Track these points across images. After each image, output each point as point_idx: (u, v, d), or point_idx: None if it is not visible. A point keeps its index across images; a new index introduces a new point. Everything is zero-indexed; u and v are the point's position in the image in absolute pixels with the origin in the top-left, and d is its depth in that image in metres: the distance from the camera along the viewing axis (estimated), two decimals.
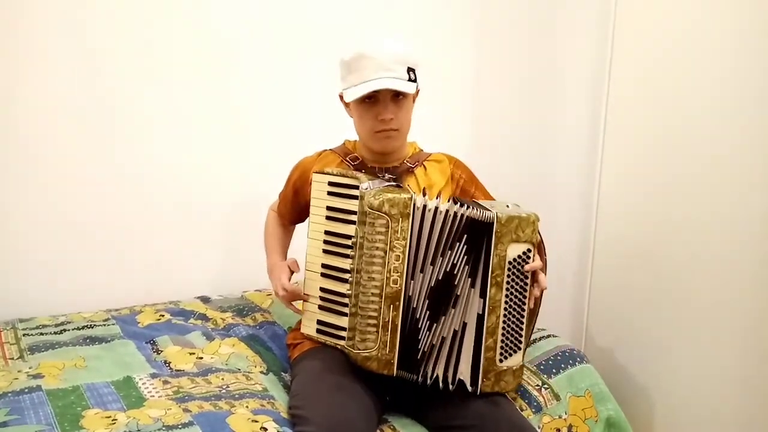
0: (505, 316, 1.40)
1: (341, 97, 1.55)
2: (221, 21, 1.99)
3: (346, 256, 1.42)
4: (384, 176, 1.51)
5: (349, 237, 1.41)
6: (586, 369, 1.71)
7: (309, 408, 1.35)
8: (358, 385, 1.40)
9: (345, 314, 1.42)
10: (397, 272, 1.37)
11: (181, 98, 1.97)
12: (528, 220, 1.40)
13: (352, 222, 1.41)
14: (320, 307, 1.46)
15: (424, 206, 1.39)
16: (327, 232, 1.44)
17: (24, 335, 1.68)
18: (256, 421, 1.34)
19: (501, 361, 1.41)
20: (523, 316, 1.43)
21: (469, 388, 1.41)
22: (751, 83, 1.68)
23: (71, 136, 1.86)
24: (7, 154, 1.81)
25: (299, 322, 1.58)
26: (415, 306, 1.40)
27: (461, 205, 1.41)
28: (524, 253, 1.40)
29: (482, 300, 1.39)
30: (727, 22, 1.74)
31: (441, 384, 1.41)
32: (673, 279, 1.90)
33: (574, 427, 1.61)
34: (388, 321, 1.38)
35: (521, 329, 1.43)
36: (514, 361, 1.43)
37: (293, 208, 1.68)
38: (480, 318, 1.39)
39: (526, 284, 1.42)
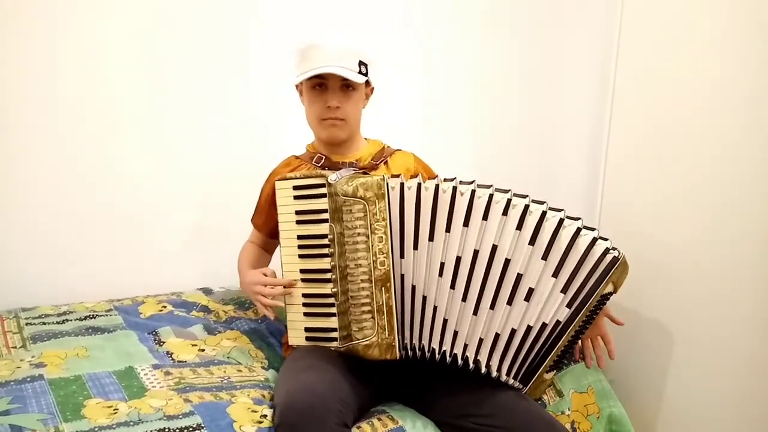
0: (570, 337, 1.41)
1: (296, 86, 1.61)
2: (223, 17, 1.99)
3: (325, 255, 1.40)
4: (349, 168, 1.51)
5: (324, 236, 1.40)
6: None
7: (276, 392, 1.37)
8: (332, 365, 1.38)
9: (333, 314, 1.40)
10: (383, 253, 1.36)
11: (184, 93, 1.98)
12: (627, 268, 1.43)
13: (325, 220, 1.39)
14: (306, 314, 1.44)
15: (423, 187, 1.39)
16: (300, 237, 1.43)
17: (27, 324, 1.68)
18: (256, 411, 1.34)
19: (547, 372, 1.43)
20: (576, 342, 1.47)
21: (514, 383, 1.41)
22: (756, 82, 1.67)
23: (73, 127, 1.87)
24: (9, 146, 1.81)
25: None
26: (414, 283, 1.38)
27: (510, 195, 1.38)
28: (609, 293, 1.42)
29: (570, 311, 1.37)
30: (733, 20, 1.73)
31: (481, 369, 1.39)
32: (675, 279, 1.90)
33: (576, 423, 1.60)
34: (382, 304, 1.37)
35: (569, 352, 1.49)
36: (551, 375, 1.47)
37: (268, 219, 1.68)
38: (557, 325, 1.38)
39: (593, 319, 1.46)
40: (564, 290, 1.36)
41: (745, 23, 1.70)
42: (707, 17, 1.81)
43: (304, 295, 1.44)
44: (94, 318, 1.74)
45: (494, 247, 1.36)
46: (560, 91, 2.38)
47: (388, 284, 1.37)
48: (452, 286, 1.38)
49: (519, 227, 1.35)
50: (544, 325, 1.37)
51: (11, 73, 1.79)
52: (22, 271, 1.86)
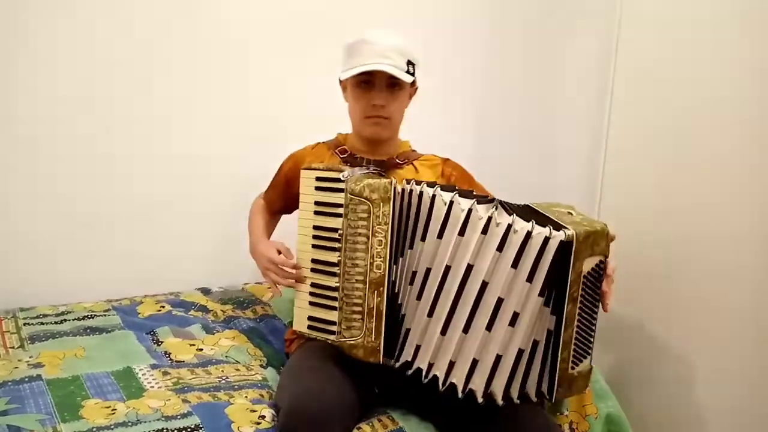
0: (578, 327, 1.34)
1: (341, 81, 1.58)
2: (223, 16, 1.99)
3: (334, 249, 1.41)
4: (368, 166, 1.49)
5: (336, 230, 1.40)
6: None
7: (281, 392, 1.36)
8: (337, 367, 1.38)
9: (335, 308, 1.41)
10: (380, 257, 1.35)
11: (182, 90, 1.97)
12: (602, 233, 1.31)
13: (340, 215, 1.39)
14: (311, 303, 1.44)
15: (413, 191, 1.35)
16: (315, 227, 1.43)
17: (25, 324, 1.68)
18: (254, 411, 1.35)
19: (573, 368, 1.36)
20: (594, 324, 1.38)
21: (534, 399, 1.35)
22: (755, 82, 1.67)
23: (72, 126, 1.86)
24: (8, 144, 1.81)
25: None
26: (397, 291, 1.37)
27: (493, 208, 1.31)
28: (597, 265, 1.33)
29: (555, 316, 1.31)
30: (731, 21, 1.73)
31: (480, 399, 1.33)
32: (674, 279, 1.90)
33: (575, 424, 1.61)
34: (373, 308, 1.36)
35: (593, 336, 1.38)
36: (585, 366, 1.39)
37: (282, 197, 1.69)
38: (550, 334, 1.32)
39: (598, 294, 1.36)
40: (546, 303, 1.30)
41: (746, 21, 1.70)
42: (707, 16, 1.81)
43: (312, 285, 1.45)
44: (93, 318, 1.74)
45: (470, 267, 1.30)
46: (559, 90, 2.38)
47: (381, 289, 1.36)
48: (418, 298, 1.36)
49: (500, 249, 1.29)
50: (536, 343, 1.33)
51: (12, 72, 1.79)
52: (20, 270, 1.86)
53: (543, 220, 1.30)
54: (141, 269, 1.98)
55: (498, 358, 1.31)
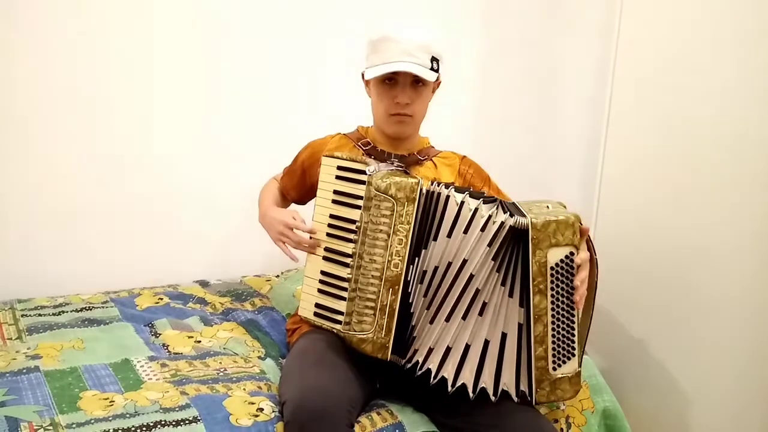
0: (553, 323, 1.33)
1: (363, 76, 1.57)
2: (224, 11, 1.99)
3: (349, 240, 1.41)
4: (393, 162, 1.50)
5: (353, 221, 1.40)
6: (583, 361, 1.71)
7: (286, 385, 1.36)
8: (341, 360, 1.38)
9: (344, 299, 1.41)
10: (399, 256, 1.37)
11: (182, 84, 1.97)
12: (567, 222, 1.30)
13: (358, 207, 1.40)
14: (319, 291, 1.45)
15: (433, 192, 1.37)
16: (332, 216, 1.44)
17: (22, 316, 1.68)
18: (253, 403, 1.35)
19: (554, 369, 1.35)
20: (573, 322, 1.35)
21: (515, 399, 1.37)
22: (755, 83, 1.67)
23: (72, 118, 1.86)
24: (7, 136, 1.81)
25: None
26: (410, 290, 1.39)
27: (494, 207, 1.35)
28: (567, 256, 1.33)
29: (524, 309, 1.33)
30: (731, 24, 1.73)
31: (450, 387, 1.37)
32: (671, 277, 1.90)
33: (571, 418, 1.61)
34: (386, 305, 1.37)
35: (573, 335, 1.36)
36: (569, 368, 1.37)
37: (298, 185, 1.68)
38: (521, 327, 1.34)
39: (572, 288, 1.34)
40: (510, 294, 1.33)
41: (746, 26, 1.70)
42: (707, 17, 1.80)
43: (322, 272, 1.45)
44: (90, 310, 1.74)
45: (464, 261, 1.35)
46: (559, 89, 2.38)
47: (397, 287, 1.37)
48: (425, 295, 1.38)
49: (490, 244, 1.33)
50: (504, 335, 1.34)
51: (12, 72, 1.78)
52: (18, 262, 1.85)
53: (514, 211, 1.34)
54: (139, 261, 1.98)
55: (467, 347, 1.35)
